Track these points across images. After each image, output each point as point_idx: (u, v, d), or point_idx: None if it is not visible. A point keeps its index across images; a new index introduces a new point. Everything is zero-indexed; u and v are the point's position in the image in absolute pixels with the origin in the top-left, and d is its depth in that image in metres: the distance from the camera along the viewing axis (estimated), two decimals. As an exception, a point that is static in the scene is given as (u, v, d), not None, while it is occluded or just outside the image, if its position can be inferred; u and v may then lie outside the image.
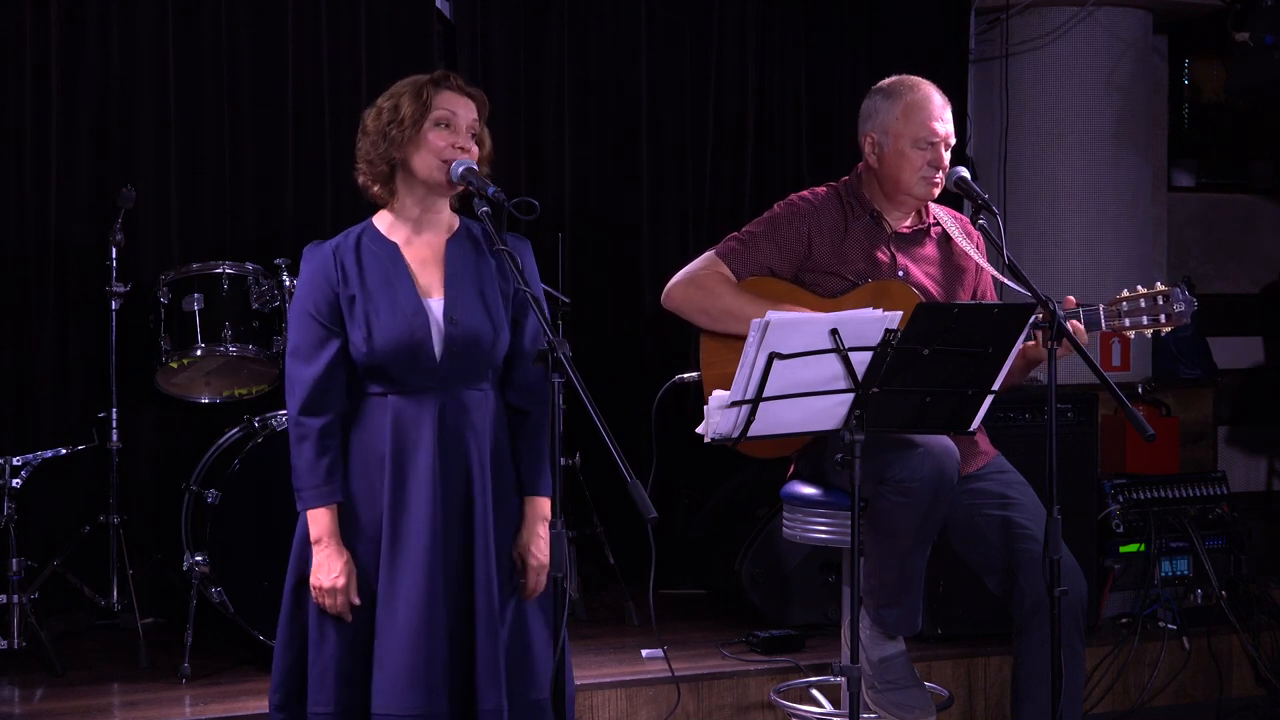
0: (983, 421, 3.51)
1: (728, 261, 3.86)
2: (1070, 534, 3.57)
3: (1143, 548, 5.17)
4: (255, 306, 4.96)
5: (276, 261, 4.96)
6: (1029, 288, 3.52)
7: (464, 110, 3.25)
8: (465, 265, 3.28)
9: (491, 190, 3.16)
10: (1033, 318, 3.40)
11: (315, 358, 3.18)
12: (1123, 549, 5.17)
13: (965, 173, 3.80)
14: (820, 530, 3.86)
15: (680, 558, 5.81)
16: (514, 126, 6.00)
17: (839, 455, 3.37)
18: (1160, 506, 5.22)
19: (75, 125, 5.42)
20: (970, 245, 3.89)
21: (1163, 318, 3.69)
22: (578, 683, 3.72)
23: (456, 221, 3.35)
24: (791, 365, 3.24)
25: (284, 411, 4.72)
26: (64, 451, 4.97)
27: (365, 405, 3.22)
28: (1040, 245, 6.77)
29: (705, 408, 3.35)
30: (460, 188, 3.23)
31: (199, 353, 4.93)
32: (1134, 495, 5.22)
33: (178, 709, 4.39)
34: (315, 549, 3.17)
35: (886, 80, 3.94)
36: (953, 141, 3.86)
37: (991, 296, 3.96)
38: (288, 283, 4.91)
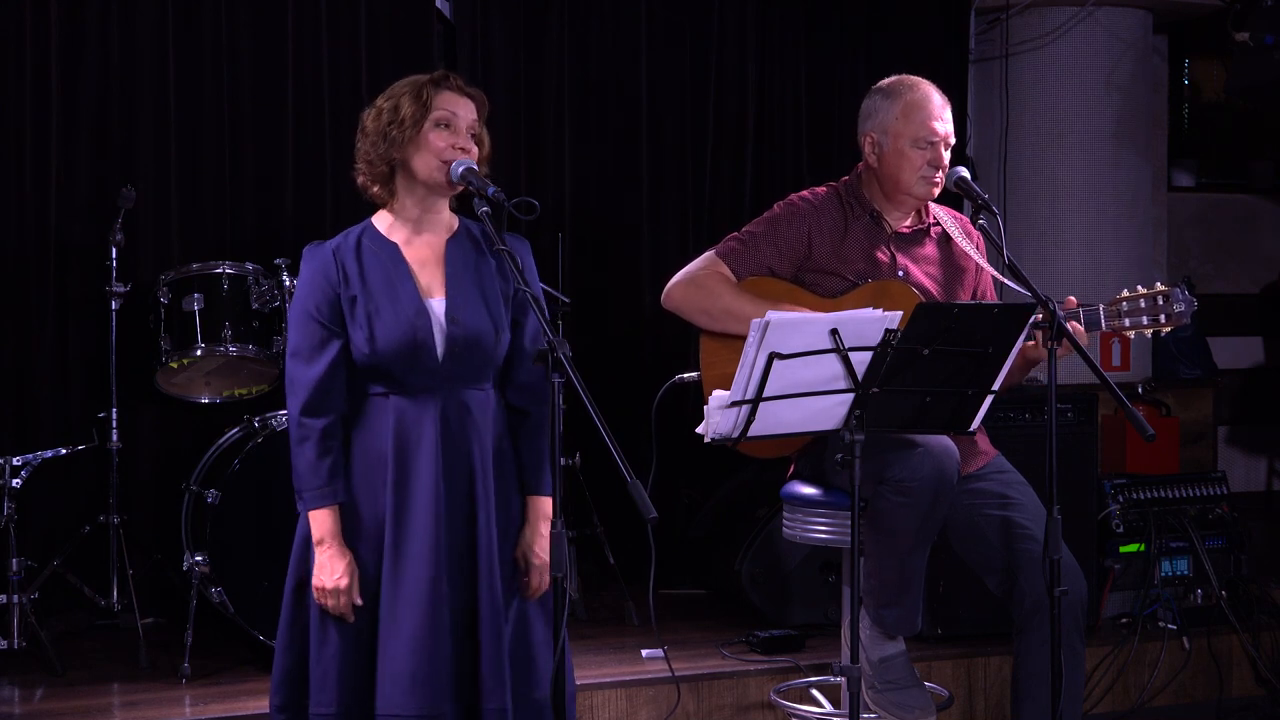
0: (983, 421, 3.51)
1: (728, 261, 3.86)
2: (1070, 534, 3.57)
3: (1143, 548, 5.17)
4: (255, 306, 4.96)
5: (276, 261, 4.97)
6: (1029, 288, 3.52)
7: (464, 110, 3.25)
8: (466, 265, 3.28)
9: (491, 190, 3.16)
10: (1033, 318, 3.40)
11: (316, 358, 3.18)
12: (1123, 549, 5.17)
13: (965, 173, 3.80)
14: (820, 530, 3.86)
15: (680, 558, 5.81)
16: (514, 126, 6.00)
17: (839, 455, 3.37)
18: (1160, 506, 5.22)
19: (75, 125, 5.42)
20: (970, 245, 3.89)
21: (1163, 318, 3.69)
22: (578, 683, 3.71)
23: (456, 222, 3.35)
24: (791, 365, 3.24)
25: (284, 411, 4.72)
26: (64, 451, 4.97)
27: (366, 406, 3.22)
28: (1040, 245, 6.77)
29: (705, 408, 3.35)
30: (460, 188, 3.23)
31: (199, 353, 4.93)
32: (1134, 495, 5.22)
33: (178, 709, 4.40)
34: (317, 550, 3.17)
35: (886, 80, 3.94)
36: (952, 141, 3.87)
37: (991, 296, 3.96)
38: (288, 283, 4.91)
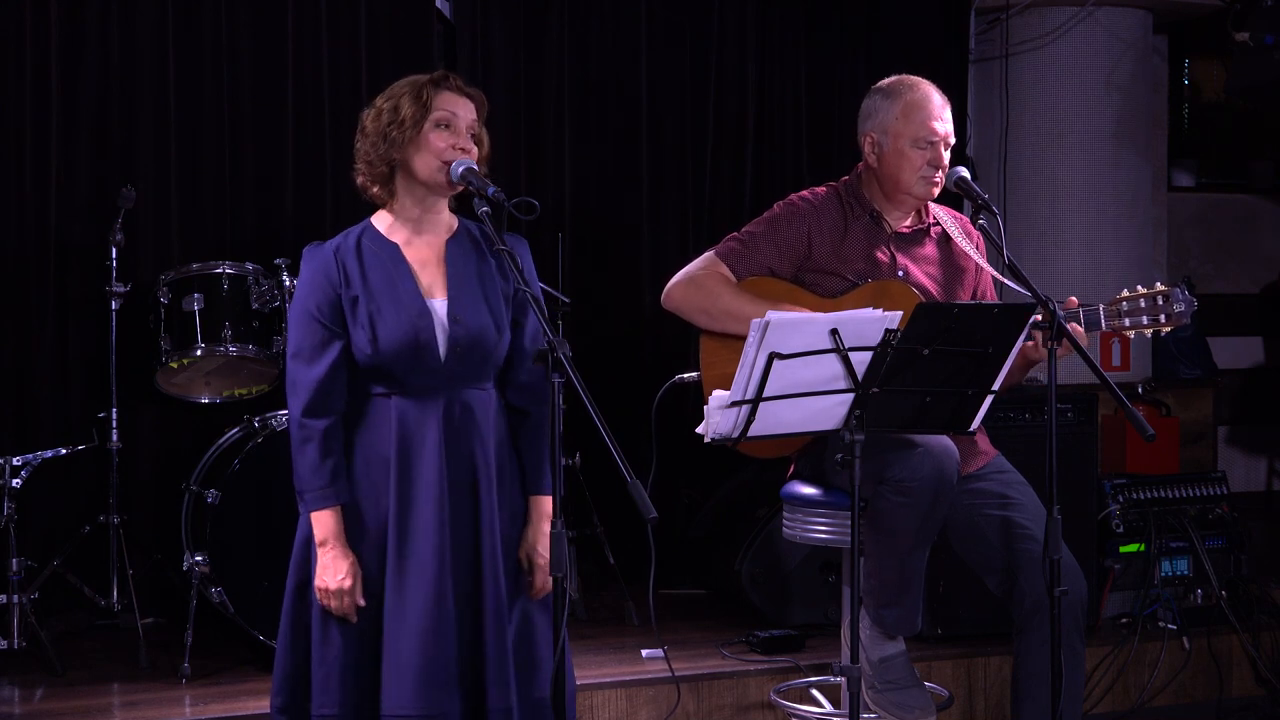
0: (983, 421, 3.51)
1: (727, 261, 3.86)
2: (1070, 534, 3.57)
3: (1143, 548, 5.17)
4: (255, 306, 4.96)
5: (276, 261, 4.96)
6: (1029, 288, 3.52)
7: (464, 110, 3.25)
8: (467, 265, 3.28)
9: (491, 190, 3.16)
10: (1032, 318, 3.40)
11: (318, 359, 3.18)
12: (1123, 549, 5.17)
13: (965, 173, 3.80)
14: (820, 530, 3.86)
15: (680, 558, 5.81)
16: (514, 126, 6.00)
17: (839, 455, 3.37)
18: (1160, 506, 5.22)
19: (75, 125, 5.42)
20: (970, 245, 3.89)
21: (1162, 318, 3.69)
22: (578, 683, 3.71)
23: (455, 222, 3.35)
24: (791, 365, 3.24)
25: (284, 411, 4.73)
26: (64, 451, 4.97)
27: (368, 406, 3.22)
28: (1040, 245, 6.77)
29: (705, 408, 3.35)
30: (460, 188, 3.23)
31: (199, 353, 4.93)
32: (1134, 495, 5.22)
33: (178, 709, 4.39)
34: (320, 551, 3.16)
35: (886, 80, 3.94)
36: (952, 141, 3.86)
37: (991, 296, 3.96)
38: (288, 283, 4.91)
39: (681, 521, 5.99)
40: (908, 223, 3.92)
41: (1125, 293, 3.73)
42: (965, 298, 3.91)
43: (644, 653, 4.84)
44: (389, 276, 3.22)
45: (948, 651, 4.86)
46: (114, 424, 5.09)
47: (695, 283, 3.86)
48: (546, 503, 3.28)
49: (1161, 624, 5.15)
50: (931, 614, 4.83)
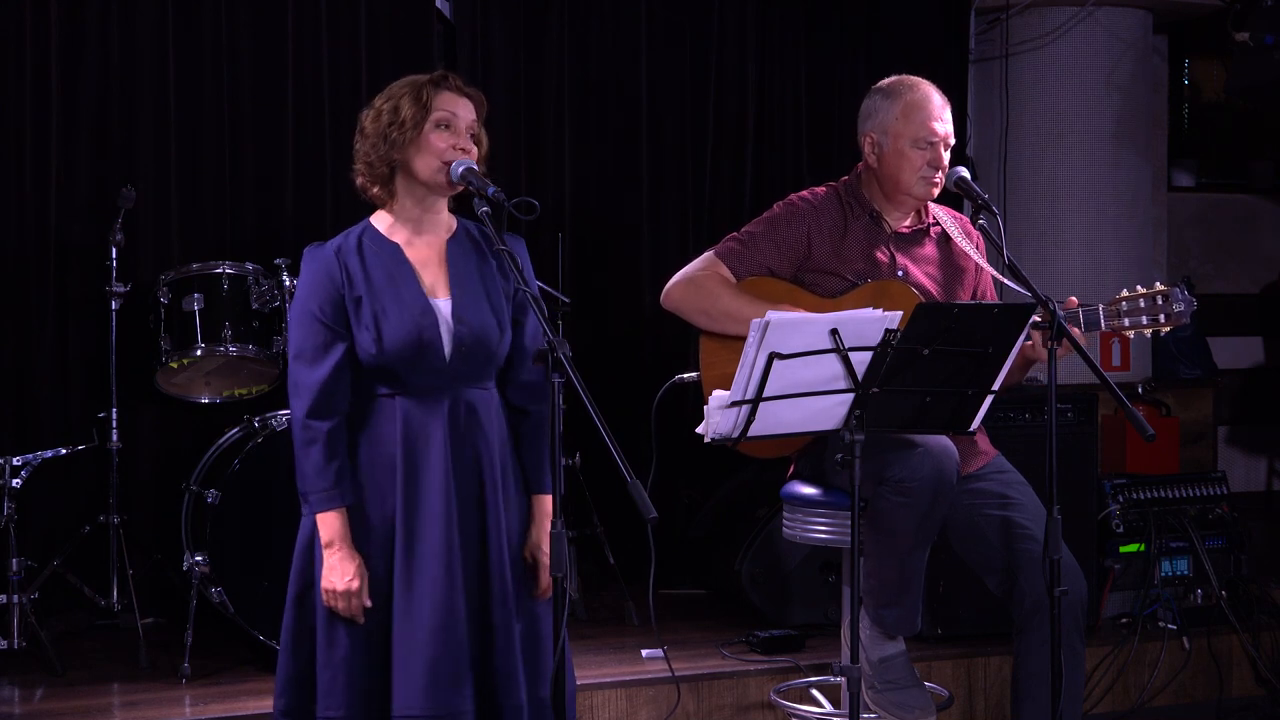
0: (983, 421, 3.51)
1: (727, 262, 3.86)
2: (1070, 534, 3.57)
3: (1143, 548, 5.17)
4: (255, 306, 4.96)
5: (276, 261, 4.96)
6: (1029, 288, 3.52)
7: (464, 111, 3.25)
8: (468, 265, 3.28)
9: (491, 190, 3.16)
10: (1032, 318, 3.40)
11: (321, 360, 3.17)
12: (1123, 549, 5.17)
13: (965, 173, 3.80)
14: (820, 530, 3.86)
15: (680, 558, 5.81)
16: (514, 126, 6.00)
17: (839, 455, 3.37)
18: (1160, 506, 5.22)
19: (75, 125, 5.42)
20: (970, 245, 3.89)
21: (1162, 318, 3.69)
22: (578, 683, 3.71)
23: (454, 222, 3.35)
24: (791, 365, 3.24)
25: (284, 411, 4.73)
26: (64, 451, 4.97)
27: (372, 407, 3.21)
28: (1040, 245, 6.77)
29: (705, 408, 3.35)
30: (460, 188, 3.23)
31: (199, 353, 4.93)
32: (1134, 495, 5.22)
33: (178, 709, 4.40)
34: (326, 553, 3.16)
35: (886, 80, 3.94)
36: (952, 141, 3.86)
37: (991, 296, 3.96)
38: (288, 283, 4.91)
39: (681, 521, 5.99)
40: (907, 223, 3.92)
41: (1125, 293, 3.73)
42: (965, 298, 3.91)
43: (644, 653, 4.84)
44: (392, 276, 3.21)
45: (948, 651, 4.86)
46: (114, 424, 5.09)
47: (694, 283, 3.86)
48: (548, 501, 3.28)
49: (1161, 624, 5.15)
50: (931, 614, 4.83)
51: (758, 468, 5.14)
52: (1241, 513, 5.41)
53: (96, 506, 5.13)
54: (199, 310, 4.92)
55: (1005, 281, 3.71)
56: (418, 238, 3.28)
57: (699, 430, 3.37)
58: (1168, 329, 3.70)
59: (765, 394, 3.26)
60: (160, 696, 4.49)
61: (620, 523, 5.40)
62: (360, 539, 3.18)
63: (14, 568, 4.72)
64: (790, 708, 4.23)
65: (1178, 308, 3.68)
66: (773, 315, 3.20)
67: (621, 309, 6.18)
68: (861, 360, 3.28)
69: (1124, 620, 5.17)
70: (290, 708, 3.22)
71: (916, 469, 3.53)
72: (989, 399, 3.45)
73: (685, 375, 3.89)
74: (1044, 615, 3.55)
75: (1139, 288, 3.75)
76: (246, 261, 5.03)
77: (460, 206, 3.37)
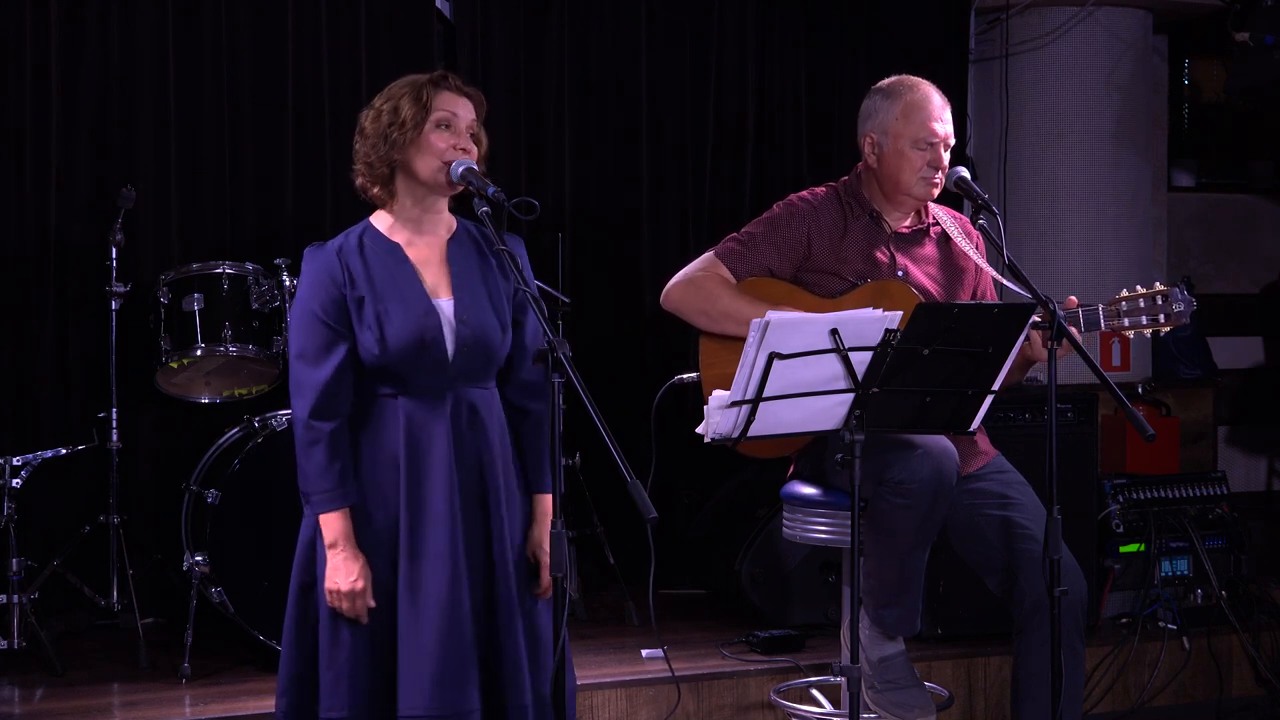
0: (983, 421, 3.51)
1: (727, 262, 3.85)
2: (1070, 534, 3.57)
3: (1143, 548, 5.17)
4: (255, 306, 4.96)
5: (276, 261, 4.96)
6: (1029, 288, 3.52)
7: (463, 110, 3.25)
8: (469, 265, 3.28)
9: (491, 190, 3.16)
10: (1032, 318, 3.39)
11: (324, 361, 3.17)
12: (1123, 549, 5.17)
13: (965, 173, 3.80)
14: (820, 530, 3.86)
15: (680, 558, 5.81)
16: (514, 126, 6.00)
17: (839, 455, 3.37)
18: (1160, 506, 5.22)
19: (75, 125, 5.42)
20: (969, 245, 3.89)
21: (1162, 318, 3.69)
22: (578, 682, 3.71)
23: (454, 221, 3.35)
24: (791, 365, 3.24)
25: (284, 412, 4.73)
26: (64, 451, 4.97)
27: (374, 407, 3.21)
28: (1040, 245, 6.78)
29: (705, 408, 3.34)
30: (460, 188, 3.23)
31: (199, 353, 4.93)
32: (1134, 495, 5.22)
33: (178, 709, 4.40)
34: (330, 553, 3.15)
35: (886, 80, 3.94)
36: (952, 142, 3.86)
37: (991, 296, 3.96)
38: (288, 283, 4.91)
39: (681, 521, 5.99)
40: (907, 223, 3.92)
41: (1124, 293, 3.73)
42: (965, 298, 3.91)
43: (644, 653, 4.84)
44: (394, 276, 3.21)
45: (948, 651, 4.86)
46: (114, 424, 5.09)
47: (694, 284, 3.86)
48: (548, 501, 3.28)
49: (1161, 624, 5.15)
50: (931, 614, 4.83)
51: (758, 468, 5.14)
52: (1241, 513, 5.41)
53: (96, 506, 5.13)
54: (199, 310, 4.92)
55: (1005, 282, 3.71)
56: (419, 238, 3.28)
57: (699, 430, 3.37)
58: (1167, 329, 3.70)
59: (765, 394, 3.26)
60: (160, 696, 4.49)
61: (620, 523, 5.40)
62: (363, 539, 3.18)
63: (14, 568, 4.72)
64: (790, 708, 4.23)
65: (1177, 308, 3.68)
66: (773, 315, 3.20)
67: (621, 309, 6.18)
68: (861, 360, 3.28)
69: (1124, 620, 5.17)
70: (292, 708, 3.22)
71: (916, 471, 3.53)
72: (989, 399, 3.44)
73: (685, 376, 3.89)
74: (1044, 615, 3.55)
75: (1139, 288, 3.75)
76: (246, 261, 5.03)
77: (459, 207, 3.36)
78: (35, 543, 5.11)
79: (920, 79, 3.91)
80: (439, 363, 3.19)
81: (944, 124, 3.84)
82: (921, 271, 3.88)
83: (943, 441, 3.61)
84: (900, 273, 3.85)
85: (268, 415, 4.82)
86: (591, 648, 4.93)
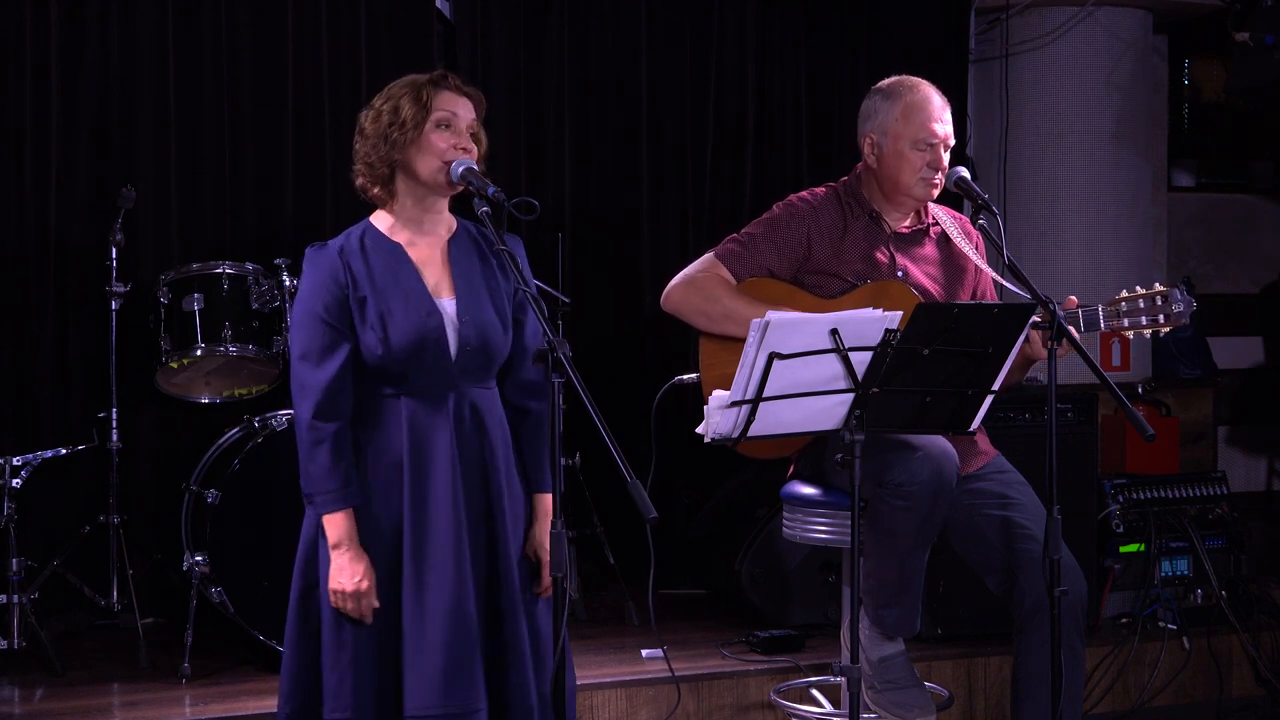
0: (982, 421, 3.51)
1: (726, 263, 3.85)
2: (1070, 534, 3.57)
3: (1143, 548, 5.17)
4: (255, 306, 4.96)
5: (276, 261, 4.96)
6: (1029, 288, 3.52)
7: (463, 110, 3.25)
8: (470, 265, 3.28)
9: (491, 190, 3.16)
10: (1032, 318, 3.39)
11: (327, 361, 3.16)
12: (1123, 549, 5.17)
13: (965, 173, 3.80)
14: (820, 530, 3.86)
15: (680, 558, 5.81)
16: (514, 126, 6.00)
17: (839, 455, 3.37)
18: (1160, 506, 5.22)
19: (75, 125, 5.42)
20: (969, 245, 3.89)
21: (1161, 318, 3.69)
22: (578, 683, 3.72)
23: (454, 221, 3.35)
24: (791, 365, 3.24)
25: (284, 411, 4.73)
26: (64, 451, 4.97)
27: (377, 407, 3.21)
28: (1040, 245, 6.78)
29: (705, 408, 3.34)
30: (460, 188, 3.23)
31: (199, 353, 4.93)
32: (1134, 495, 5.22)
33: (178, 709, 4.40)
34: (334, 554, 3.15)
35: (886, 81, 3.93)
36: (952, 143, 3.86)
37: (991, 296, 3.96)
38: (288, 283, 4.91)
39: (681, 521, 5.99)
40: (907, 223, 3.92)
41: (1124, 293, 3.73)
42: (965, 298, 3.91)
43: (644, 653, 4.84)
44: (396, 276, 3.21)
45: (948, 651, 4.86)
46: (114, 424, 5.09)
47: (694, 285, 3.86)
48: (548, 500, 3.28)
49: (1161, 624, 5.15)
50: (931, 614, 4.83)
51: (758, 468, 5.14)
52: (1241, 513, 5.41)
53: (96, 506, 5.13)
54: (199, 310, 4.92)
55: (1004, 282, 3.71)
56: (419, 238, 3.28)
57: (699, 430, 3.37)
58: (1167, 329, 3.70)
59: (765, 394, 3.26)
60: (160, 696, 4.49)
61: (620, 523, 5.40)
62: (367, 539, 3.18)
63: (14, 568, 4.72)
64: (790, 708, 4.23)
65: (1177, 308, 3.68)
66: (773, 315, 3.20)
67: (621, 309, 6.18)
68: (861, 360, 3.28)
69: (1124, 620, 5.17)
70: (296, 709, 3.21)
71: (916, 473, 3.53)
72: (989, 399, 3.44)
73: (685, 376, 3.89)
74: (1044, 615, 3.55)
75: (1138, 288, 3.75)
76: (246, 261, 5.03)
77: (458, 207, 3.36)
78: (35, 543, 5.11)
79: (920, 79, 3.91)
80: (442, 362, 3.19)
81: (944, 125, 3.84)
82: (921, 271, 3.88)
83: (942, 443, 3.61)
84: (900, 273, 3.85)
85: (268, 415, 4.82)
86: (591, 648, 4.93)
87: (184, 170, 5.55)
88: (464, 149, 3.22)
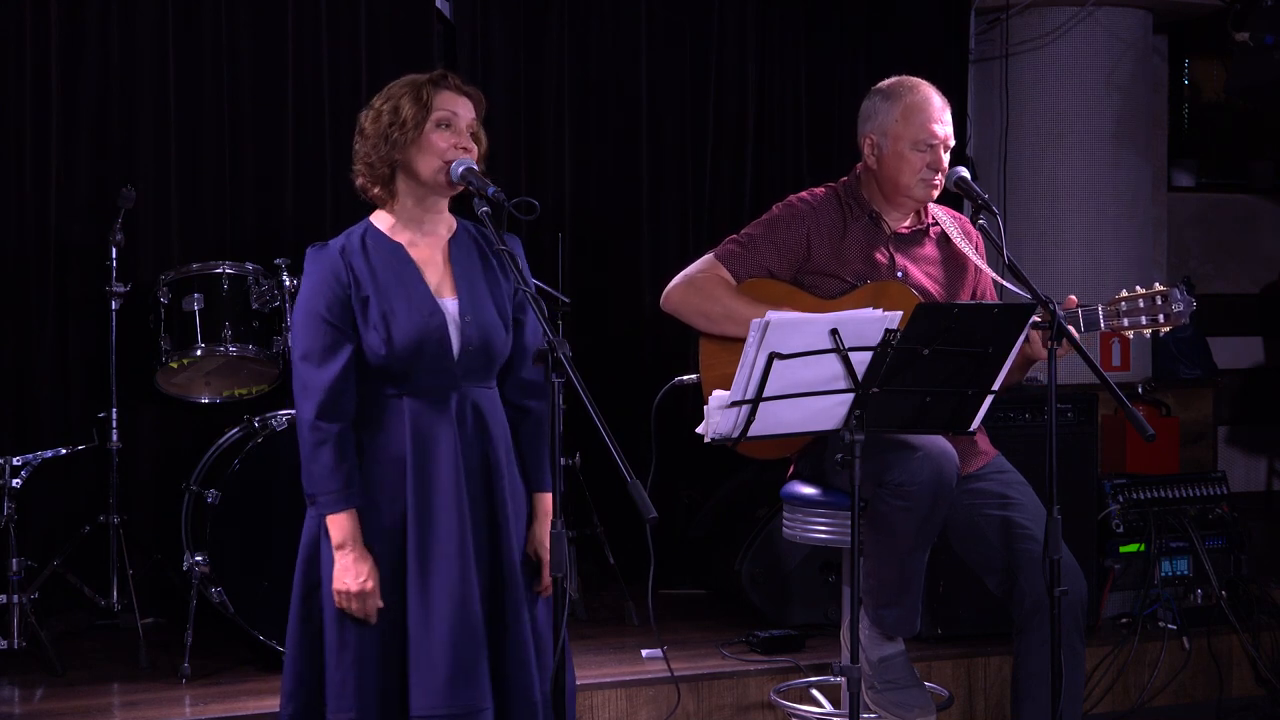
0: (983, 421, 3.51)
1: (726, 264, 3.85)
2: (1070, 534, 3.57)
3: (1143, 548, 5.17)
4: (255, 306, 4.96)
5: (276, 261, 4.96)
6: (1029, 288, 3.52)
7: (463, 110, 3.25)
8: (471, 265, 3.28)
9: (491, 190, 3.16)
10: (1032, 318, 3.39)
11: (329, 361, 3.16)
12: (1123, 549, 5.17)
13: (965, 173, 3.80)
14: (820, 530, 3.86)
15: (680, 558, 5.81)
16: (514, 126, 6.00)
17: (839, 455, 3.37)
18: (1160, 506, 5.22)
19: (75, 125, 5.42)
20: (969, 245, 3.89)
21: (1161, 318, 3.69)
22: (578, 683, 3.72)
23: (454, 221, 3.35)
24: (791, 365, 3.24)
25: (284, 411, 4.73)
26: (64, 451, 4.97)
27: (379, 407, 3.21)
28: (1040, 245, 6.78)
29: (705, 408, 3.34)
30: (460, 188, 3.23)
31: (199, 353, 4.93)
32: (1134, 495, 5.22)
33: (178, 709, 4.39)
34: (338, 554, 3.15)
35: (886, 81, 3.93)
36: (952, 143, 3.86)
37: (991, 296, 3.96)
38: (288, 283, 4.91)
39: (681, 521, 5.99)
40: (907, 223, 3.92)
41: (1124, 293, 3.73)
42: (964, 298, 3.91)
43: (644, 653, 4.84)
44: (398, 276, 3.21)
45: (948, 651, 4.86)
46: (114, 424, 5.09)
47: (694, 285, 3.86)
48: (548, 500, 3.28)
49: (1161, 624, 5.15)
50: (931, 614, 4.83)
51: (758, 468, 5.13)
52: (1241, 513, 5.41)
53: (96, 506, 5.13)
54: (199, 310, 4.92)
55: (1004, 282, 3.71)
56: (420, 238, 3.28)
57: (699, 430, 3.37)
58: (1167, 329, 3.70)
59: (765, 394, 3.26)
60: (160, 696, 4.49)
61: (620, 523, 5.40)
62: (370, 539, 3.18)
63: (14, 568, 4.72)
64: (790, 708, 4.23)
65: (1177, 308, 3.68)
66: (773, 315, 3.20)
67: (621, 309, 6.18)
68: (861, 360, 3.28)
69: (1124, 620, 5.17)
70: (299, 709, 3.21)
71: (916, 473, 3.53)
72: (989, 399, 3.44)
73: (685, 377, 3.89)
74: (1044, 615, 3.55)
75: (1138, 288, 3.74)
76: (246, 261, 5.03)
77: (457, 206, 3.36)
78: (35, 543, 5.11)
79: (920, 80, 3.90)
80: (444, 362, 3.19)
81: (944, 125, 3.83)
82: (921, 272, 3.88)
83: (942, 443, 3.61)
84: (900, 273, 3.85)
85: (268, 415, 4.82)
86: (591, 648, 4.93)
87: (184, 170, 5.55)
88: (464, 149, 3.22)
